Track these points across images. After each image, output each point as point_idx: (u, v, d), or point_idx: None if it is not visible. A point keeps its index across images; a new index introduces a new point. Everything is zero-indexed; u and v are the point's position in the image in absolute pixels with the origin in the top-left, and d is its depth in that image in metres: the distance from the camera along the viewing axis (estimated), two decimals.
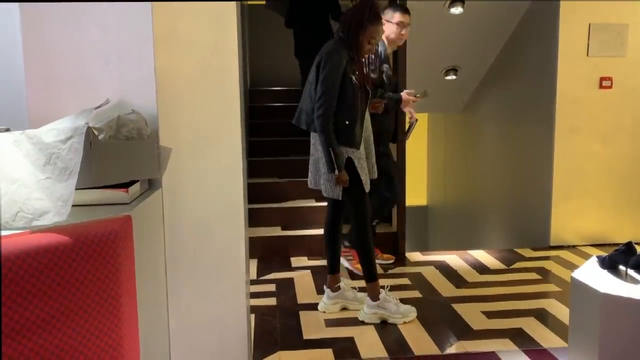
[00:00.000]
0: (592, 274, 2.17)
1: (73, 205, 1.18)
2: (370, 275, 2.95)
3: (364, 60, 2.95)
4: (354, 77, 2.79)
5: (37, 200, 1.17)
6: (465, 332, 2.81)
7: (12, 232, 1.04)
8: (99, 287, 1.09)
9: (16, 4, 1.73)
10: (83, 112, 1.44)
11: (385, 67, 3.49)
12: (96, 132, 1.36)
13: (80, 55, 1.77)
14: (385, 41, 3.50)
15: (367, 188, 2.88)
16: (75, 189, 1.20)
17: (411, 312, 2.94)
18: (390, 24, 3.48)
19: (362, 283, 3.44)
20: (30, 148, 1.25)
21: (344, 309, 3.08)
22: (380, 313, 2.91)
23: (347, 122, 2.78)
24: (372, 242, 2.97)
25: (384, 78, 3.47)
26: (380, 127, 3.50)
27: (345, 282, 3.16)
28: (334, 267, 3.10)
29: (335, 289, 3.07)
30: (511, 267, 3.90)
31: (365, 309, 2.94)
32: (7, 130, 1.41)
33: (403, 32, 3.53)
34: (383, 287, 2.99)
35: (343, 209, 3.06)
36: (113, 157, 1.44)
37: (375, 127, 3.23)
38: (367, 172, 2.89)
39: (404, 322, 2.88)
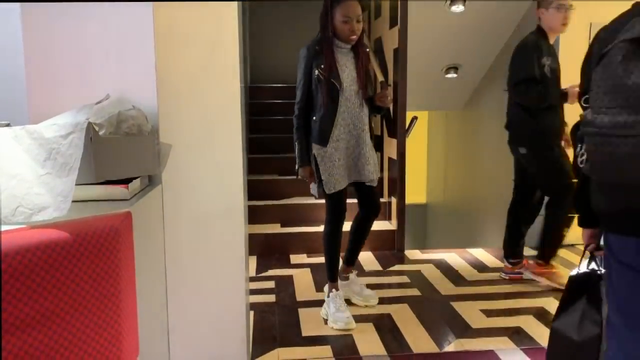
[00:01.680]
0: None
1: (73, 201, 1.18)
2: (328, 275, 2.99)
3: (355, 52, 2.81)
4: (317, 71, 2.73)
5: (37, 196, 1.17)
6: (464, 330, 2.81)
7: (11, 227, 1.04)
8: (98, 283, 1.09)
9: None
10: (83, 108, 1.44)
11: (545, 60, 3.19)
12: (97, 128, 1.36)
13: (80, 51, 1.77)
14: (547, 32, 3.23)
15: (330, 189, 2.78)
16: (76, 185, 1.20)
17: (342, 321, 2.81)
18: (549, 11, 3.17)
19: (371, 280, 3.45)
20: (30, 143, 1.25)
21: (346, 300, 3.04)
22: (325, 310, 2.96)
23: (314, 118, 2.79)
24: (334, 243, 2.93)
25: (546, 72, 3.18)
26: (546, 125, 3.21)
27: (354, 275, 3.16)
28: (348, 258, 3.12)
29: (344, 277, 3.09)
30: None
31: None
32: (8, 125, 1.40)
33: (566, 14, 3.17)
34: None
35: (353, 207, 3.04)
36: (113, 153, 1.44)
37: (538, 126, 3.16)
38: (334, 173, 2.77)
39: (332, 327, 2.82)
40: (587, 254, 1.64)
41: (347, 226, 3.01)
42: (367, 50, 2.88)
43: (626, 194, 1.29)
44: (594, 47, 1.43)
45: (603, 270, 1.54)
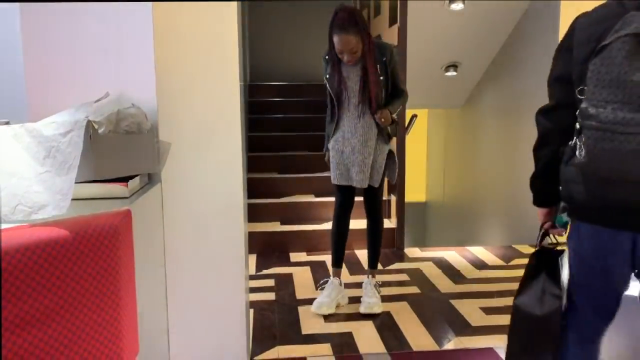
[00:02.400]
0: None
1: (73, 199, 1.18)
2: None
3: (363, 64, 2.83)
4: (325, 79, 2.94)
5: (36, 194, 1.17)
6: (464, 328, 2.82)
7: (11, 226, 1.04)
8: (98, 281, 1.09)
9: None
10: (83, 106, 1.44)
11: None
12: (96, 126, 1.36)
13: (80, 48, 1.76)
14: None
15: (332, 179, 3.00)
16: (75, 183, 1.19)
17: (317, 306, 2.99)
18: None
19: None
20: (29, 141, 1.25)
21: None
22: None
23: (328, 119, 3.04)
24: (335, 233, 3.10)
25: None
26: None
27: (366, 278, 3.19)
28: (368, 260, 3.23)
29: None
30: (509, 263, 3.90)
31: None
32: (7, 123, 1.40)
33: None
34: (339, 279, 3.14)
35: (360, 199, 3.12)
36: (113, 151, 1.44)
37: None
38: (334, 168, 2.98)
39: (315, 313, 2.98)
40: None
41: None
42: (385, 59, 2.83)
43: (619, 188, 1.30)
44: (578, 34, 1.42)
45: (559, 248, 1.67)
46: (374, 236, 3.14)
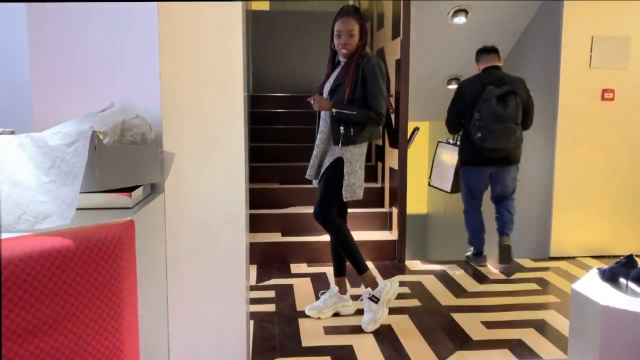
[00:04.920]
0: (592, 286, 2.17)
1: (76, 209, 1.18)
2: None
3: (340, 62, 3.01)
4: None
5: (41, 204, 1.17)
6: (465, 342, 2.80)
7: (15, 235, 1.04)
8: (100, 291, 1.09)
9: (23, 6, 1.74)
10: (88, 116, 1.45)
11: None
12: (101, 136, 1.36)
13: (85, 58, 1.78)
14: None
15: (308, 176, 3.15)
16: (79, 193, 1.20)
17: (308, 307, 3.16)
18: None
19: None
20: (34, 151, 1.25)
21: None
22: None
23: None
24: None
25: None
26: None
27: (363, 289, 3.14)
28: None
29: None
30: (511, 277, 3.89)
31: None
32: (12, 132, 1.41)
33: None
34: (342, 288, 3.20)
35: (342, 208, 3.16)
36: (117, 162, 1.44)
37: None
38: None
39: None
40: None
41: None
42: (360, 62, 2.93)
43: (484, 150, 3.82)
44: (464, 89, 3.94)
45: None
46: (335, 243, 3.10)
